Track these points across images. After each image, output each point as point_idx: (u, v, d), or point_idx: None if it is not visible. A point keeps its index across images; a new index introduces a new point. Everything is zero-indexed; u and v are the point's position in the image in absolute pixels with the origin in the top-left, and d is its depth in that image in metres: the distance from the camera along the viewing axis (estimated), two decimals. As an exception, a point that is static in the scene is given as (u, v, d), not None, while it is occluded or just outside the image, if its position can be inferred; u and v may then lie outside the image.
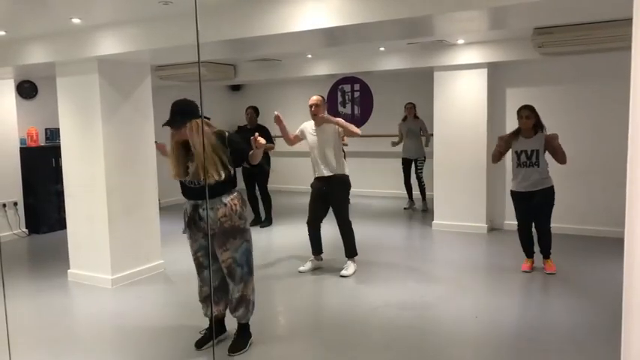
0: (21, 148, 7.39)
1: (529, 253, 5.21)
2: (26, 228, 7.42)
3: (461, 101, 6.91)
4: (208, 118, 3.60)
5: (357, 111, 10.26)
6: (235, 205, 3.39)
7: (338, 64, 7.81)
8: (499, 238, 6.67)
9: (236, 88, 11.07)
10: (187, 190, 3.46)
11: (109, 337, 3.97)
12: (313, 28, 3.72)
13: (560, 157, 4.84)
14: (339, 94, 10.39)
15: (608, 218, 6.33)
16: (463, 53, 6.65)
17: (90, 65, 4.92)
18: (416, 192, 8.58)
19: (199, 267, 3.60)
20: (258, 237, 6.85)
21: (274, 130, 7.97)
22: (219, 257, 3.46)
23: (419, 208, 8.59)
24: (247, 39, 4.11)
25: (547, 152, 4.91)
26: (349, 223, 5.24)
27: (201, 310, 3.74)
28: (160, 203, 5.83)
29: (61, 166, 5.40)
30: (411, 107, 8.34)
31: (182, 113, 3.34)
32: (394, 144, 8.48)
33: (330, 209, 5.28)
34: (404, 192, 8.77)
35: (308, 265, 5.38)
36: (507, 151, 5.08)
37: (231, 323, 3.70)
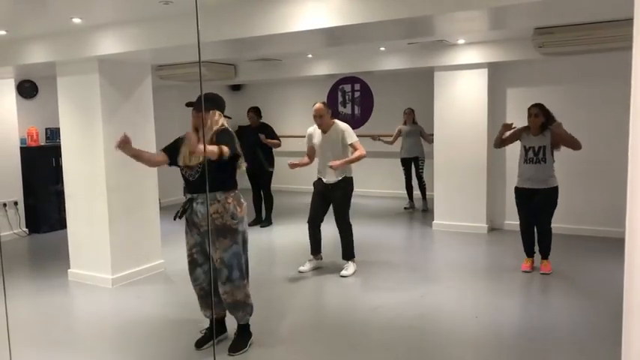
0: (21, 147, 7.39)
1: (529, 253, 5.21)
2: (26, 227, 7.42)
3: (461, 101, 6.90)
4: (229, 118, 3.59)
5: (357, 111, 10.26)
6: (229, 203, 3.35)
7: (338, 64, 7.81)
8: (499, 238, 6.67)
9: (236, 87, 11.07)
10: (186, 183, 3.48)
11: (109, 336, 3.97)
12: (313, 28, 3.72)
13: (571, 143, 4.85)
14: (340, 94, 10.38)
15: (608, 218, 6.32)
16: (463, 53, 6.65)
17: (90, 65, 4.92)
18: (416, 192, 8.58)
19: (192, 264, 3.52)
20: (259, 237, 6.86)
21: (278, 129, 8.00)
22: (214, 256, 3.41)
23: (419, 208, 8.59)
24: (248, 39, 4.11)
25: (560, 147, 4.91)
26: (349, 225, 5.24)
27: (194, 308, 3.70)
28: (160, 203, 5.82)
29: (61, 166, 5.40)
30: (410, 112, 8.39)
31: (210, 100, 3.42)
32: (387, 142, 8.48)
33: (331, 209, 5.28)
34: (404, 192, 8.76)
35: (307, 265, 5.38)
36: (511, 142, 5.11)
37: (231, 323, 3.70)
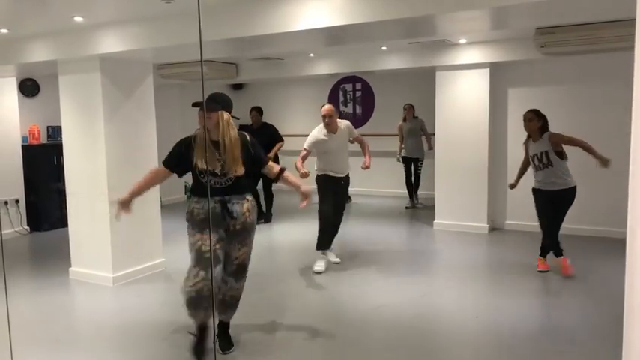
0: (23, 145, 7.40)
1: (557, 252, 5.12)
2: (28, 226, 7.43)
3: (463, 101, 6.90)
4: (237, 118, 3.57)
5: (358, 110, 10.26)
6: (254, 202, 3.50)
7: (340, 63, 7.81)
8: (500, 238, 6.67)
9: (238, 86, 11.07)
10: (212, 188, 3.35)
11: (109, 335, 3.97)
12: (315, 27, 3.72)
13: (582, 147, 4.89)
14: (341, 93, 10.38)
15: (609, 218, 6.32)
16: (465, 53, 6.65)
17: (92, 63, 4.93)
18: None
19: (204, 266, 3.30)
20: (259, 235, 6.85)
21: (280, 128, 8.00)
22: (233, 254, 3.40)
23: (419, 207, 8.65)
24: (249, 38, 4.11)
25: (562, 147, 4.93)
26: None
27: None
28: (161, 202, 5.83)
29: (62, 164, 5.40)
30: (409, 108, 8.42)
31: (217, 100, 3.35)
32: (399, 158, 8.60)
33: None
34: (405, 191, 8.82)
35: (323, 264, 5.37)
36: (526, 162, 5.23)
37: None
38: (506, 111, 6.97)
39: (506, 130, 6.98)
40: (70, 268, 5.33)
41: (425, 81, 8.18)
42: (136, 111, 5.24)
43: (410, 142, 8.40)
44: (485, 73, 6.72)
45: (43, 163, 7.44)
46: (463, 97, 6.89)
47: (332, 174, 5.35)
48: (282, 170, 3.54)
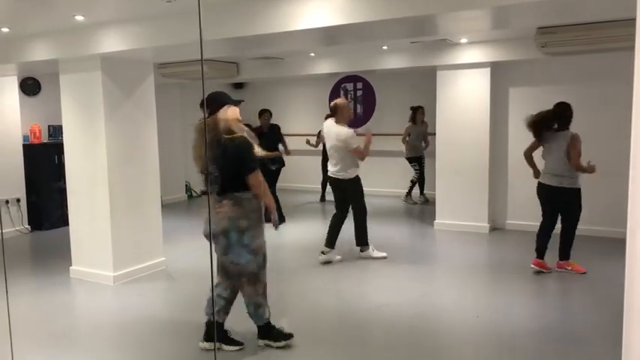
0: (24, 144, 7.41)
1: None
2: (29, 224, 7.44)
3: (463, 100, 6.90)
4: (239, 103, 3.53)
5: (359, 110, 10.25)
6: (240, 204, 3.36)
7: (341, 63, 7.81)
8: (501, 238, 6.66)
9: (239, 86, 11.06)
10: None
11: (110, 334, 3.98)
12: (316, 26, 3.72)
13: (577, 162, 4.91)
14: (342, 92, 10.37)
15: (609, 219, 6.31)
16: (466, 52, 6.64)
17: (93, 62, 4.93)
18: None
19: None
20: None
21: (282, 128, 7.99)
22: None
23: (419, 202, 9.00)
24: (250, 37, 4.11)
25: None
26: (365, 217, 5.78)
27: (208, 308, 3.61)
28: (162, 201, 5.84)
29: (63, 163, 5.41)
30: (421, 111, 8.76)
31: (216, 100, 3.34)
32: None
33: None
34: (406, 190, 9.07)
35: (324, 258, 5.58)
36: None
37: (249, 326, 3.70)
38: (507, 110, 6.97)
39: (507, 130, 6.97)
40: (71, 267, 5.34)
41: (426, 80, 8.18)
42: (136, 110, 5.24)
43: (419, 143, 8.80)
44: (486, 72, 6.72)
45: (44, 162, 7.45)
46: (464, 97, 6.89)
47: (333, 174, 5.58)
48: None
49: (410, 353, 3.52)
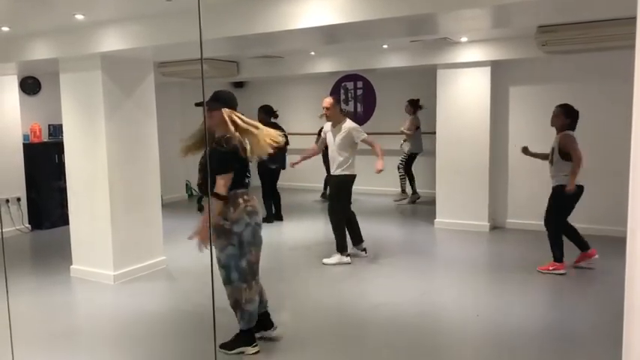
0: (24, 144, 7.40)
1: (583, 247, 5.14)
2: (29, 224, 7.44)
3: (464, 99, 6.89)
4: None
5: (359, 108, 10.25)
6: (225, 204, 3.30)
7: (341, 62, 7.80)
8: (501, 237, 6.66)
9: (239, 85, 11.06)
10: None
11: (110, 333, 3.98)
12: (316, 25, 3.72)
13: (575, 163, 4.86)
14: (342, 91, 10.37)
15: (612, 217, 6.30)
16: (466, 51, 6.64)
17: (93, 62, 4.93)
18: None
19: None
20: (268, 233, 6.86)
21: (283, 127, 7.98)
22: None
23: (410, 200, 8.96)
24: (250, 36, 4.10)
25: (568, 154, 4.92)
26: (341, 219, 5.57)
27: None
28: (162, 200, 5.83)
29: (63, 162, 5.40)
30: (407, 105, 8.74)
31: (218, 99, 3.36)
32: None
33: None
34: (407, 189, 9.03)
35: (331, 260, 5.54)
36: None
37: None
38: (507, 109, 6.97)
39: (508, 129, 6.97)
40: (71, 266, 5.34)
41: (426, 79, 8.17)
42: (136, 109, 5.24)
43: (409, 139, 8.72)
44: (486, 71, 6.71)
45: (44, 162, 7.45)
46: (464, 96, 6.88)
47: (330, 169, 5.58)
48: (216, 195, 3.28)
49: (410, 352, 3.52)
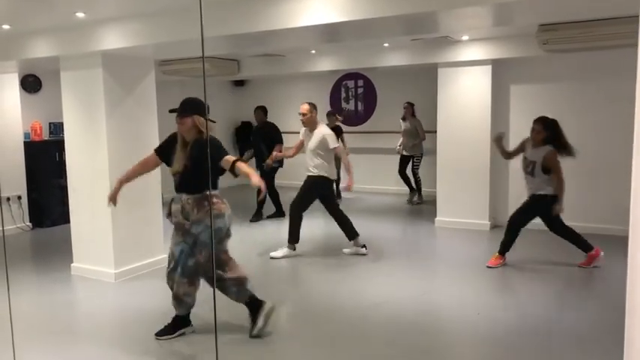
0: (25, 142, 7.41)
1: (505, 250, 5.31)
2: (30, 222, 7.44)
3: (465, 98, 6.89)
4: (214, 122, 3.67)
5: (360, 107, 10.25)
6: (188, 204, 3.57)
7: (342, 60, 7.80)
8: (502, 236, 6.61)
9: (240, 83, 11.06)
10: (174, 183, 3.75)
11: (111, 330, 3.99)
12: (317, 23, 3.72)
13: (558, 182, 4.92)
14: (343, 90, 10.37)
15: (614, 216, 6.30)
16: (467, 50, 6.63)
17: (94, 59, 4.92)
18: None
19: (170, 260, 3.78)
20: (260, 230, 6.87)
21: (281, 125, 8.00)
22: (194, 254, 3.62)
23: (415, 201, 8.82)
24: (251, 34, 4.10)
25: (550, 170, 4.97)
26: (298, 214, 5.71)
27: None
28: (163, 198, 5.83)
29: (64, 160, 5.40)
30: (407, 107, 8.56)
31: (191, 106, 3.55)
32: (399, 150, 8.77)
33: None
34: (407, 188, 8.93)
35: (280, 253, 5.68)
36: (518, 153, 5.27)
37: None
38: (508, 108, 6.96)
39: (509, 127, 6.96)
40: (72, 264, 5.34)
41: (427, 78, 8.17)
42: (137, 107, 5.24)
43: (406, 140, 8.55)
44: (487, 70, 6.71)
45: (45, 160, 7.45)
46: (465, 94, 6.88)
47: (308, 170, 5.67)
48: (235, 160, 3.46)
49: (410, 351, 3.52)
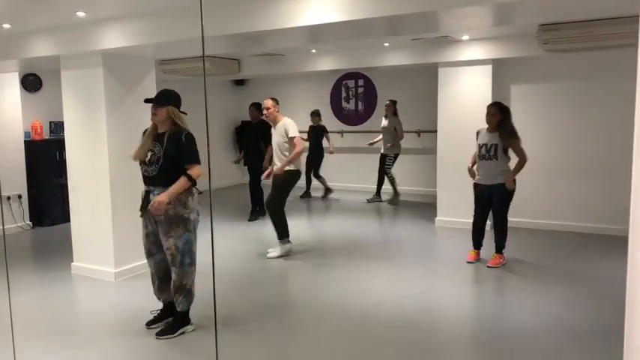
0: (25, 141, 7.41)
1: (477, 245, 5.38)
2: (30, 221, 7.44)
3: (465, 97, 6.89)
4: (185, 114, 3.69)
5: (360, 107, 10.25)
6: (181, 194, 3.58)
7: (342, 60, 7.80)
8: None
9: (240, 82, 11.06)
10: (143, 177, 3.77)
11: (111, 330, 3.98)
12: (317, 22, 3.72)
13: (519, 160, 5.04)
14: (343, 89, 10.37)
15: (614, 216, 6.30)
16: (467, 49, 6.63)
17: (94, 59, 4.93)
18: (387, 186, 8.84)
19: (146, 252, 3.87)
20: (252, 230, 6.87)
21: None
22: (164, 244, 3.66)
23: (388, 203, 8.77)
24: (252, 33, 4.10)
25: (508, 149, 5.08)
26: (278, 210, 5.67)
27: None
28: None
29: (65, 159, 5.41)
30: (388, 105, 8.55)
31: (166, 97, 3.64)
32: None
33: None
34: (408, 188, 9.11)
35: (273, 252, 5.65)
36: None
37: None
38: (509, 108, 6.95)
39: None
40: (72, 264, 5.35)
41: (427, 77, 8.17)
42: (137, 106, 5.22)
43: (384, 140, 8.60)
44: (487, 69, 6.70)
45: (46, 159, 7.45)
46: (465, 94, 6.88)
47: (274, 166, 5.66)
48: (187, 174, 3.56)
49: (411, 350, 3.53)
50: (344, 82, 10.34)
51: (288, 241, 5.72)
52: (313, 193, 9.28)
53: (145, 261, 5.25)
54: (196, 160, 3.57)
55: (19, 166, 7.33)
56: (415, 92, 9.27)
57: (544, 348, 3.52)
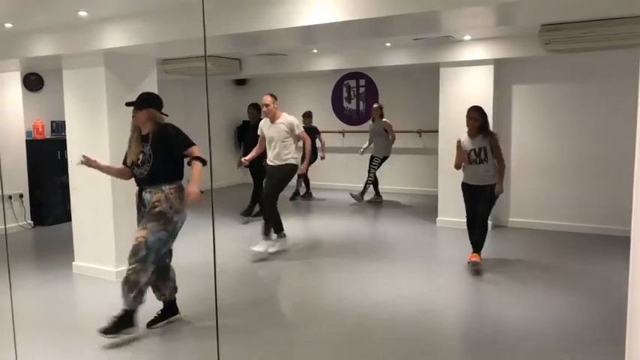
0: (27, 140, 7.42)
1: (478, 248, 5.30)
2: (32, 220, 7.45)
3: (467, 97, 6.86)
4: (166, 115, 3.71)
5: (361, 106, 10.24)
6: (171, 193, 3.61)
7: (343, 59, 7.80)
8: (503, 235, 6.65)
9: (241, 82, 11.06)
10: (136, 179, 3.74)
11: (113, 329, 3.98)
12: (319, 22, 3.72)
13: (499, 163, 5.12)
14: (345, 89, 10.37)
15: (614, 216, 6.30)
16: (469, 49, 6.63)
17: (96, 58, 4.93)
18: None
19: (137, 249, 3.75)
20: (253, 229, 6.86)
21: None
22: (137, 233, 3.63)
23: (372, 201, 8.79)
24: (253, 33, 4.10)
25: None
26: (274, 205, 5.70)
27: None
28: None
29: (66, 159, 5.41)
30: (375, 109, 8.58)
31: (146, 100, 3.68)
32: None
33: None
34: (409, 188, 9.11)
35: (260, 247, 5.66)
36: (463, 156, 5.19)
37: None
38: (510, 108, 6.95)
39: (510, 127, 6.96)
40: (74, 263, 5.35)
41: (429, 77, 8.16)
42: (139, 106, 5.24)
43: (374, 141, 8.63)
44: (489, 69, 6.70)
45: (47, 158, 7.46)
46: (467, 94, 6.87)
47: (269, 162, 5.74)
48: (196, 157, 3.56)
49: (410, 350, 3.53)
50: (345, 82, 10.34)
51: (284, 234, 5.79)
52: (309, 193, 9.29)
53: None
54: (191, 143, 3.60)
55: (21, 166, 7.34)
56: (416, 92, 9.27)
57: (544, 348, 3.51)
